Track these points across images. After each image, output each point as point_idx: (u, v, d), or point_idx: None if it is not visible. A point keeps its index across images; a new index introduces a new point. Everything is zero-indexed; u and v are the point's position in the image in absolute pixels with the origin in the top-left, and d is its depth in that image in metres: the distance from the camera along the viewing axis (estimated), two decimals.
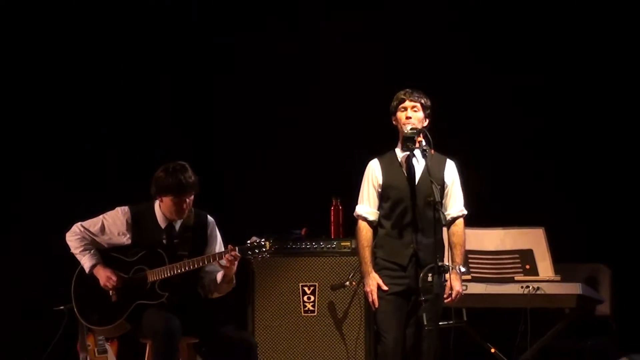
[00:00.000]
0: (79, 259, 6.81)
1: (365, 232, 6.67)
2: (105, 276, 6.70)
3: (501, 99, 8.70)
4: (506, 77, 8.67)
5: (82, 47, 8.84)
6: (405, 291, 6.56)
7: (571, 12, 8.67)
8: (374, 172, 6.70)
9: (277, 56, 8.94)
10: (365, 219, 6.67)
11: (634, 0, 8.56)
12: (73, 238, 6.82)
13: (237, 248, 6.56)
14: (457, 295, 6.62)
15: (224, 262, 6.62)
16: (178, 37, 8.99)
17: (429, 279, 6.43)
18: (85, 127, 8.77)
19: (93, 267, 6.75)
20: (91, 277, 6.78)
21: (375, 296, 6.59)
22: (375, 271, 6.65)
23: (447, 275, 6.58)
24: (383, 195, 6.66)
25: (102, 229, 6.78)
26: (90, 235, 6.80)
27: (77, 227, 6.84)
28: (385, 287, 6.57)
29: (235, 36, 9.01)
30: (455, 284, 6.59)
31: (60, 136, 8.78)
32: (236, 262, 6.64)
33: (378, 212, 6.69)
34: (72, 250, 6.83)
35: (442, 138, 6.72)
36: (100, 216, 6.83)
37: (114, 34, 8.87)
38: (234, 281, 6.81)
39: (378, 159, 6.73)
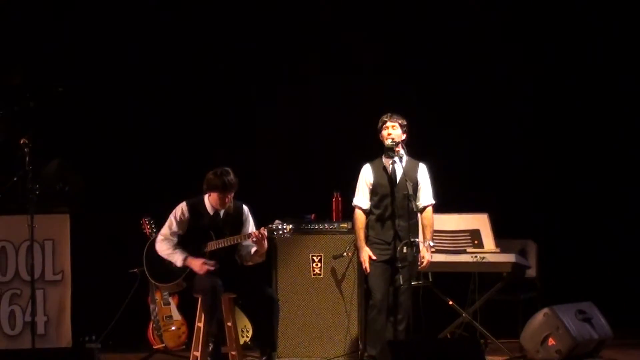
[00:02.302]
0: (170, 259, 7.44)
1: (360, 217, 7.58)
2: (199, 264, 7.38)
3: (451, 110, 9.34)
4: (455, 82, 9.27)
5: None
6: (389, 260, 7.48)
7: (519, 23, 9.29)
8: (366, 174, 7.60)
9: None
10: (360, 208, 7.59)
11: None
12: (161, 244, 7.48)
13: (265, 229, 7.38)
14: (427, 263, 7.52)
15: (255, 239, 7.37)
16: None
17: (404, 251, 7.32)
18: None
19: (185, 259, 7.43)
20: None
21: (367, 264, 7.52)
22: (367, 246, 7.52)
23: (420, 248, 7.37)
24: (373, 191, 7.55)
25: (175, 223, 7.52)
26: (171, 233, 7.49)
27: (159, 236, 7.51)
28: (374, 257, 7.48)
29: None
30: (425, 254, 7.48)
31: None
32: (266, 240, 7.37)
33: (370, 202, 7.56)
34: (163, 254, 7.46)
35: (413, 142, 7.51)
36: (170, 216, 7.51)
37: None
38: (264, 257, 7.60)
39: (369, 164, 7.61)
